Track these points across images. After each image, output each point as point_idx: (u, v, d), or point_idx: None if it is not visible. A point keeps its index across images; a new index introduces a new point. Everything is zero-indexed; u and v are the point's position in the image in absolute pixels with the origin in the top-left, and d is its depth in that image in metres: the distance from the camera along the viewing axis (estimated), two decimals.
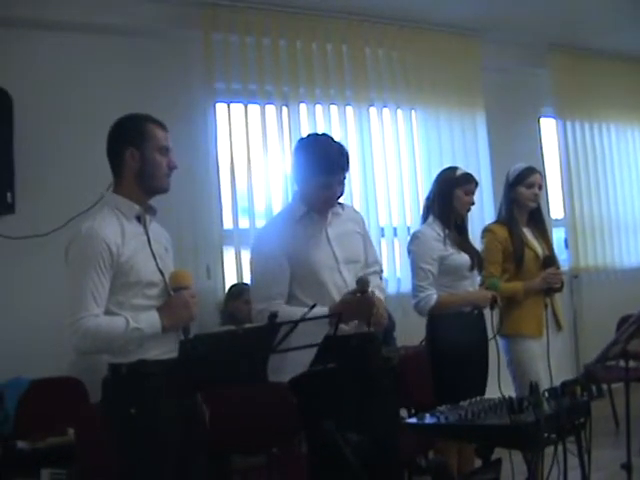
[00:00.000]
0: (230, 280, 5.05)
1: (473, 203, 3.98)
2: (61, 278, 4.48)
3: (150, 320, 2.45)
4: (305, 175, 3.04)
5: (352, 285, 3.00)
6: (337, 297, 2.97)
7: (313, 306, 2.26)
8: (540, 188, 4.06)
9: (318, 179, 2.98)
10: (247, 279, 5.03)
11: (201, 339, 2.22)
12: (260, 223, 5.15)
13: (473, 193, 3.97)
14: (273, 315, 2.09)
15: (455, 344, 3.72)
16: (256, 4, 5.18)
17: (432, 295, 3.80)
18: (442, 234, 3.87)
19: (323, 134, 3.36)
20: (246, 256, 5.10)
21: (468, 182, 3.95)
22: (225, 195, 5.14)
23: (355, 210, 3.40)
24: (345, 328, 2.91)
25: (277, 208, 5.21)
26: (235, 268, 5.08)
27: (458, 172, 4.00)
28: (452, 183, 3.93)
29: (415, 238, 3.95)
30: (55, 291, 4.41)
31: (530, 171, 4.06)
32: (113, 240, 2.45)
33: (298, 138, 5.20)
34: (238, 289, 4.81)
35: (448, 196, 3.91)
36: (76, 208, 4.54)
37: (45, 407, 4.12)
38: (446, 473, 2.24)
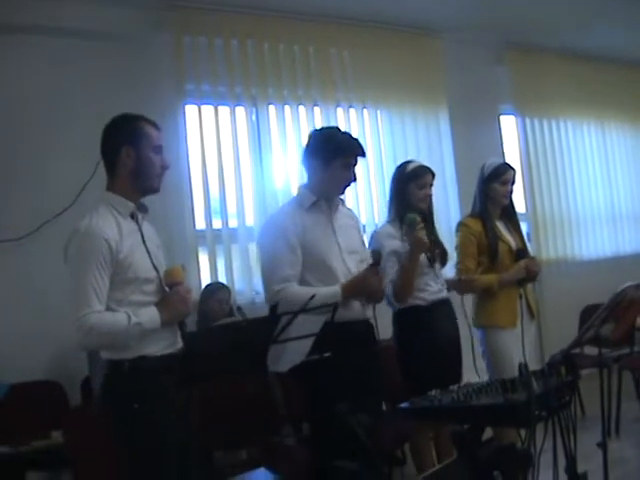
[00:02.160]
0: (204, 280, 5.08)
1: (430, 195, 3.95)
2: (37, 282, 4.53)
3: (150, 315, 2.51)
4: (325, 157, 3.20)
5: (355, 273, 3.19)
6: None
7: (312, 297, 2.34)
8: (513, 184, 4.12)
9: (339, 160, 3.18)
10: (221, 278, 5.10)
11: (206, 332, 2.27)
12: (233, 223, 5.22)
13: (430, 185, 3.95)
14: (274, 306, 2.16)
15: (424, 335, 3.81)
16: (224, 6, 5.24)
17: (386, 290, 3.75)
18: (400, 231, 3.86)
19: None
20: (220, 255, 5.16)
21: (420, 176, 3.92)
22: (197, 196, 5.17)
23: (349, 209, 3.50)
24: (352, 312, 3.12)
25: (249, 208, 5.29)
26: (209, 268, 5.12)
27: (410, 167, 3.98)
28: (404, 179, 3.94)
29: (372, 238, 3.98)
30: (31, 295, 4.48)
31: (505, 168, 4.12)
32: (112, 237, 2.49)
33: (269, 139, 5.38)
34: (212, 288, 4.85)
35: (402, 193, 3.92)
36: (49, 212, 4.57)
37: (26, 411, 4.12)
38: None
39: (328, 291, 3.03)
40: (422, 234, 3.72)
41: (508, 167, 4.16)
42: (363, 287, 3.11)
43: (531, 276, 4.00)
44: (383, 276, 3.15)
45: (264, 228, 3.38)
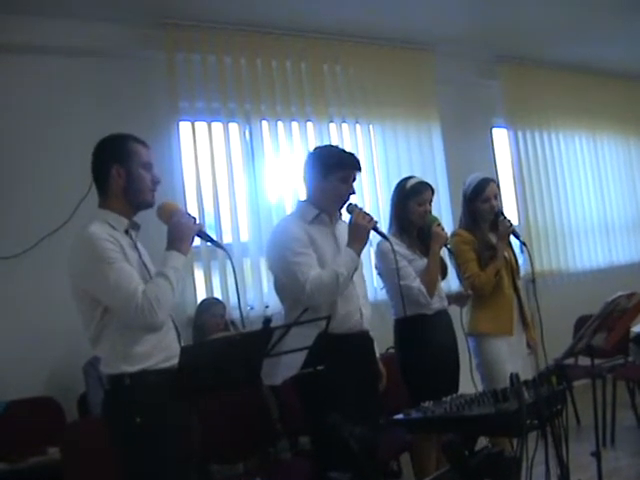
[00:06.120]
0: (200, 296, 5.11)
1: (429, 211, 3.97)
2: (32, 299, 4.55)
3: (173, 260, 2.55)
4: (324, 171, 3.30)
5: (357, 283, 3.31)
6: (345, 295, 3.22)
7: (305, 310, 2.36)
8: (496, 197, 4.12)
9: (338, 173, 3.27)
10: (217, 293, 5.12)
11: (200, 346, 2.28)
12: (227, 239, 5.24)
13: (429, 201, 3.97)
14: (267, 319, 2.18)
15: (425, 346, 3.82)
16: (216, 24, 5.29)
17: (419, 287, 3.81)
18: (403, 244, 3.90)
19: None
20: (215, 271, 5.18)
21: (420, 193, 3.94)
22: (192, 212, 5.16)
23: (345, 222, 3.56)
24: (350, 324, 3.20)
25: (243, 223, 5.32)
26: (204, 283, 5.14)
27: (409, 184, 3.99)
28: (404, 196, 3.96)
29: (378, 251, 3.94)
30: (27, 312, 4.50)
31: (484, 184, 4.11)
32: (115, 241, 2.52)
33: (263, 155, 5.41)
34: (208, 303, 4.88)
35: (403, 210, 3.96)
36: (44, 229, 4.59)
37: (22, 428, 4.13)
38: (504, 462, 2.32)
39: (342, 258, 3.15)
40: (439, 229, 3.88)
41: (487, 181, 4.14)
42: (360, 230, 3.20)
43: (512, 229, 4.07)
44: (362, 211, 3.25)
45: (274, 238, 3.40)
